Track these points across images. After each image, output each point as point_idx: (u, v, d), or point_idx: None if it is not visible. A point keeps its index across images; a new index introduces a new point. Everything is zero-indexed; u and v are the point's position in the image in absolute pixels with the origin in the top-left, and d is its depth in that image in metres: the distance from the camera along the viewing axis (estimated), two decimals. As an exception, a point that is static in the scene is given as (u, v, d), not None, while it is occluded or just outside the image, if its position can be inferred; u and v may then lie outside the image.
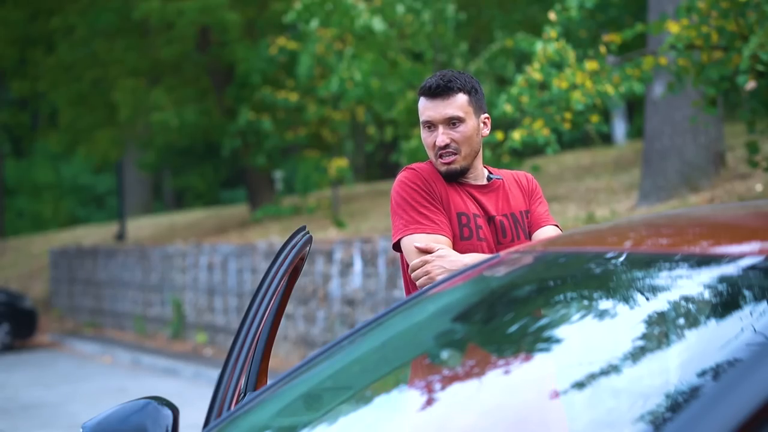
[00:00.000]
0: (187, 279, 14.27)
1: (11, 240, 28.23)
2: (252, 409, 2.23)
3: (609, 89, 7.11)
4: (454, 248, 3.08)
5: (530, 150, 12.50)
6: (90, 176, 33.19)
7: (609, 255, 2.21)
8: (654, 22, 7.03)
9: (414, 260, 3.04)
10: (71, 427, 8.93)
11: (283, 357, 11.46)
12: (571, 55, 7.30)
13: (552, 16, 7.46)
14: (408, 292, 3.16)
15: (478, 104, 3.17)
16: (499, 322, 2.27)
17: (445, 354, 2.29)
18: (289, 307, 11.34)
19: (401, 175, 3.15)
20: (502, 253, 2.49)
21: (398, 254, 3.20)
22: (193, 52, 17.39)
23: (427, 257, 3.02)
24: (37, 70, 18.90)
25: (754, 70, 6.28)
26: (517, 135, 7.42)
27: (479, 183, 3.20)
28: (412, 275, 3.04)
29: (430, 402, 2.09)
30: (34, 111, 26.10)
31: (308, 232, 2.98)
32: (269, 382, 2.42)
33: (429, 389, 2.13)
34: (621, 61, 7.93)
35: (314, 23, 11.57)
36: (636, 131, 18.72)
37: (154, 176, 31.10)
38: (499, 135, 8.05)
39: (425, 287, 2.45)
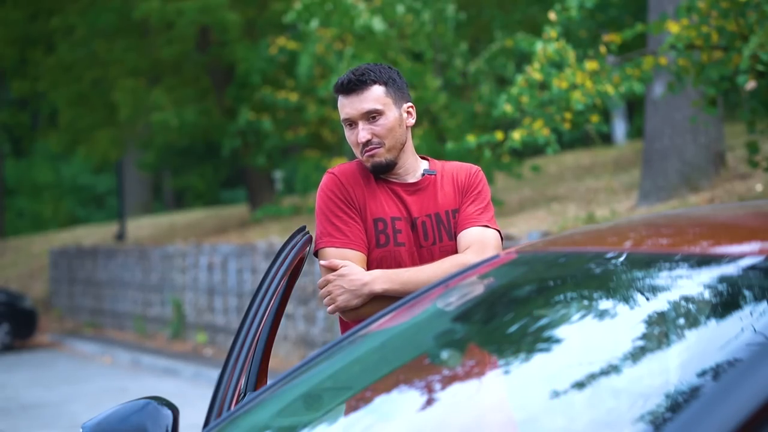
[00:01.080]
0: (187, 279, 14.27)
1: (11, 240, 28.23)
2: (252, 409, 2.23)
3: (609, 89, 7.11)
4: (370, 256, 3.01)
5: (530, 150, 12.51)
6: (90, 176, 33.19)
7: (609, 255, 2.21)
8: (654, 22, 7.02)
9: (320, 279, 3.02)
10: (71, 427, 8.93)
11: (283, 357, 11.46)
12: (571, 55, 7.30)
13: (552, 16, 7.46)
14: None
15: (398, 94, 3.05)
16: (499, 322, 2.27)
17: (445, 354, 2.29)
18: (289, 307, 11.34)
19: (322, 181, 3.09)
20: (502, 253, 2.49)
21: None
22: (193, 52, 17.39)
23: (329, 276, 2.97)
24: (37, 70, 18.90)
25: (754, 70, 6.28)
26: (517, 135, 7.42)
27: (407, 181, 3.08)
28: (319, 294, 3.03)
29: (429, 402, 2.09)
30: (34, 111, 26.10)
31: (308, 232, 2.98)
32: (269, 382, 2.42)
33: (429, 389, 2.13)
34: (621, 61, 7.93)
35: (314, 23, 11.57)
36: (636, 131, 18.72)
37: (154, 176, 31.10)
38: (499, 135, 8.05)
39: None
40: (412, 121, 3.11)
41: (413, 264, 3.01)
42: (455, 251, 3.03)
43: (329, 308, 2.99)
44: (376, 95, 3.01)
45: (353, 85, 3.01)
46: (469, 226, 3.04)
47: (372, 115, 3.01)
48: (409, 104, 3.11)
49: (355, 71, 3.03)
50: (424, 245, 3.03)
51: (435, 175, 3.10)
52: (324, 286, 2.98)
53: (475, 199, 3.09)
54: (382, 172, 3.05)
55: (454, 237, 3.05)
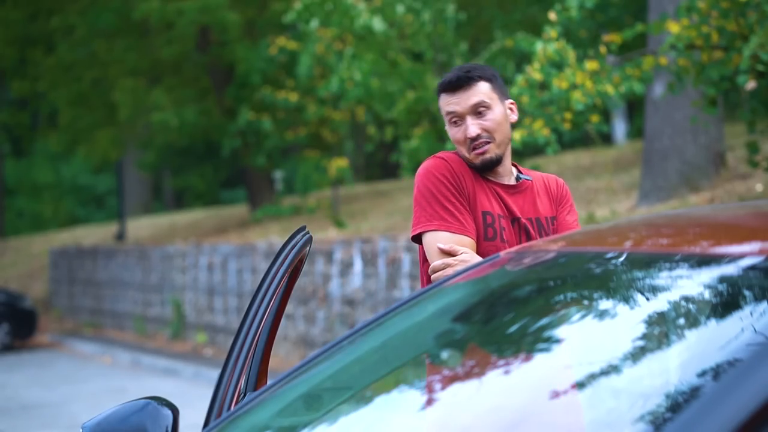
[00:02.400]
0: (187, 279, 14.26)
1: (11, 240, 28.23)
2: (252, 409, 2.23)
3: (609, 89, 7.11)
4: (477, 249, 2.98)
5: (530, 150, 12.50)
6: (90, 176, 33.20)
7: (609, 255, 2.21)
8: (654, 22, 7.02)
9: (436, 261, 2.94)
10: (71, 427, 8.93)
11: (283, 357, 11.46)
12: (571, 55, 7.30)
13: (552, 16, 7.46)
14: (424, 285, 3.06)
15: (502, 90, 3.08)
16: (499, 322, 2.27)
17: (445, 354, 2.29)
18: (289, 307, 11.34)
19: (429, 164, 3.03)
20: (502, 253, 2.49)
21: (416, 246, 3.11)
22: (193, 52, 17.39)
23: (450, 260, 2.92)
24: (37, 70, 18.90)
25: (755, 70, 6.28)
26: (517, 135, 7.42)
27: (506, 182, 3.08)
28: (433, 276, 2.94)
29: (429, 402, 2.09)
30: (34, 111, 26.09)
31: (308, 232, 2.97)
32: (269, 382, 2.42)
33: (429, 389, 2.13)
34: (621, 61, 7.93)
35: (314, 23, 11.57)
36: (636, 131, 18.72)
37: (154, 176, 31.11)
38: (499, 135, 8.03)
39: (430, 285, 2.42)
40: (515, 117, 3.12)
41: None
42: None
43: None
44: (483, 90, 3.02)
45: (461, 82, 3.01)
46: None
47: (479, 110, 3.01)
48: (511, 101, 3.12)
49: (461, 69, 3.04)
50: None
51: (531, 180, 3.12)
52: (441, 269, 2.91)
53: (570, 209, 3.15)
54: (489, 169, 3.04)
55: None
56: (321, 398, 2.25)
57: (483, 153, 3.00)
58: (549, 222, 3.09)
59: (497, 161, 3.03)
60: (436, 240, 2.95)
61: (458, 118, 3.02)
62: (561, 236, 2.51)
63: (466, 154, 3.02)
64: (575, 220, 3.13)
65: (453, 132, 3.04)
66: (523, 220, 3.04)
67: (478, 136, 2.99)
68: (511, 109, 3.10)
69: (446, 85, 3.03)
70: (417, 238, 3.03)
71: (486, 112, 3.01)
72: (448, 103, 3.03)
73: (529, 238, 3.03)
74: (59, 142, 19.59)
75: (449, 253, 2.93)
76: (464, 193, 2.99)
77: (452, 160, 3.03)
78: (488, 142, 3.00)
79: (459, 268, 2.87)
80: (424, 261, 3.03)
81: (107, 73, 17.67)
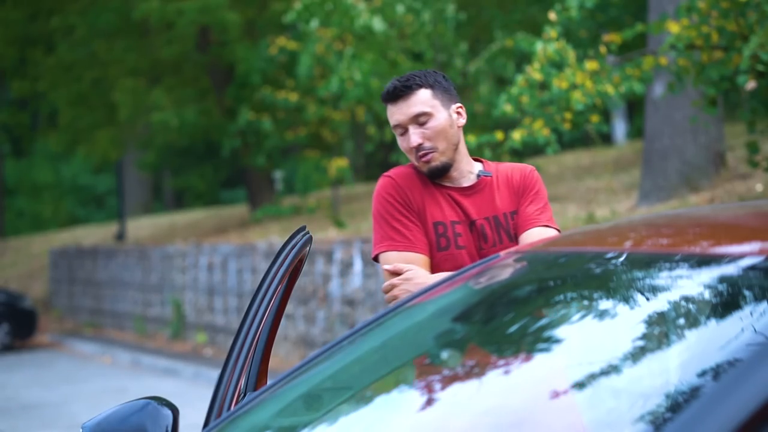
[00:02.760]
0: (187, 279, 14.27)
1: (11, 240, 28.23)
2: (252, 409, 2.23)
3: (609, 89, 7.11)
4: (432, 259, 3.01)
5: (530, 150, 12.50)
6: (90, 176, 33.20)
7: (609, 255, 2.21)
8: (654, 22, 7.02)
9: (384, 283, 3.01)
10: (71, 427, 8.93)
11: (283, 357, 11.46)
12: (571, 55, 7.29)
13: (552, 16, 7.46)
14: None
15: (446, 95, 3.07)
16: (499, 322, 2.27)
17: (445, 354, 2.29)
18: (289, 307, 11.34)
19: (378, 184, 3.08)
20: (502, 253, 2.49)
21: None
22: (193, 52, 17.38)
23: (394, 281, 2.98)
24: (37, 70, 18.90)
25: (755, 70, 6.28)
26: (517, 135, 7.42)
27: (462, 185, 3.08)
28: (385, 297, 3.02)
29: (429, 402, 2.09)
30: (34, 111, 26.10)
31: (308, 232, 2.97)
32: (269, 382, 2.42)
33: (429, 389, 2.13)
34: (621, 61, 7.93)
35: (314, 23, 11.57)
36: (636, 131, 18.72)
37: (154, 176, 31.10)
38: (499, 135, 8.05)
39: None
40: (462, 121, 3.10)
41: None
42: None
43: None
44: (422, 98, 3.02)
45: (399, 92, 3.02)
46: (531, 226, 3.04)
47: (420, 119, 3.01)
48: (459, 105, 3.11)
49: (400, 78, 3.04)
50: (485, 247, 3.04)
51: (490, 176, 3.10)
52: (389, 291, 2.98)
53: (533, 199, 3.09)
54: (439, 176, 3.05)
55: (514, 238, 3.05)
56: (321, 398, 2.25)
57: (428, 161, 3.02)
58: (508, 217, 3.06)
59: (445, 168, 3.04)
60: (385, 260, 3.02)
61: (402, 129, 3.04)
62: (561, 236, 2.51)
63: (416, 162, 3.05)
64: (539, 209, 3.07)
65: (400, 141, 3.07)
66: (479, 222, 3.04)
67: (420, 146, 3.01)
68: (458, 113, 3.09)
69: (386, 96, 3.05)
70: (376, 259, 3.10)
71: (427, 120, 3.02)
72: (391, 114, 3.05)
73: (486, 238, 3.03)
74: (59, 142, 19.59)
75: (395, 273, 2.98)
76: (412, 208, 3.02)
77: (400, 175, 3.06)
78: (432, 151, 3.01)
79: (404, 287, 2.94)
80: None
81: (107, 73, 17.67)
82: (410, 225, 3.01)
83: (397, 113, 3.03)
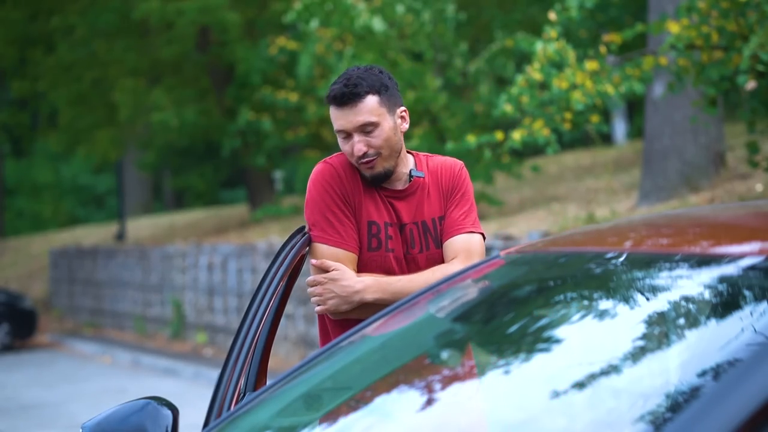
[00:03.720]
0: (187, 279, 14.27)
1: (11, 240, 28.23)
2: (252, 409, 2.23)
3: (609, 89, 7.11)
4: (360, 259, 2.97)
5: (530, 150, 12.50)
6: (90, 176, 33.19)
7: (609, 255, 2.21)
8: (654, 22, 7.02)
9: (309, 277, 2.97)
10: (71, 427, 8.93)
11: (283, 357, 11.46)
12: (571, 55, 7.29)
13: (552, 16, 7.46)
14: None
15: (391, 101, 2.99)
16: (499, 322, 2.26)
17: (445, 354, 2.29)
18: (289, 307, 11.34)
19: (318, 169, 2.99)
20: (502, 253, 2.49)
21: None
22: (193, 52, 17.38)
23: (319, 278, 2.94)
24: (37, 70, 18.90)
25: (754, 70, 6.28)
26: (517, 135, 7.41)
27: (397, 187, 3.03)
28: (308, 291, 2.99)
29: (429, 402, 2.09)
30: (34, 111, 26.09)
31: (308, 232, 2.98)
32: (269, 382, 2.42)
33: (429, 389, 2.13)
34: (621, 61, 7.93)
35: (314, 23, 11.57)
36: (636, 131, 18.72)
37: (154, 176, 31.10)
38: (499, 135, 8.05)
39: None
40: (406, 126, 3.04)
41: (400, 270, 2.99)
42: (441, 258, 3.02)
43: (317, 309, 2.96)
44: (370, 107, 2.93)
45: (346, 99, 2.92)
46: (456, 233, 3.01)
47: (366, 128, 2.94)
48: (403, 108, 3.04)
49: (347, 82, 2.93)
50: (411, 253, 3.00)
51: (422, 177, 3.05)
52: (313, 285, 2.95)
53: (459, 201, 3.05)
54: (382, 182, 3.00)
55: (440, 244, 3.02)
56: (321, 398, 2.25)
57: (372, 168, 2.96)
58: (436, 223, 3.02)
59: (388, 174, 2.99)
60: (313, 252, 2.97)
61: (346, 134, 2.96)
62: (561, 236, 2.51)
63: (357, 167, 2.98)
64: (464, 212, 3.03)
65: (342, 145, 2.98)
66: (409, 226, 3.01)
67: (365, 154, 2.94)
68: (402, 117, 3.03)
69: (332, 99, 2.96)
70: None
71: (373, 129, 2.94)
72: (336, 119, 2.96)
73: (413, 243, 3.00)
74: (59, 142, 19.59)
75: (323, 270, 2.95)
76: (350, 203, 2.97)
77: (341, 165, 2.99)
78: (375, 158, 2.95)
79: (328, 286, 2.91)
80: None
81: (107, 73, 17.67)
82: (344, 220, 2.96)
83: (341, 119, 2.94)
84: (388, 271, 2.97)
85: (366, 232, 2.98)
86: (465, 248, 2.99)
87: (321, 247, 2.95)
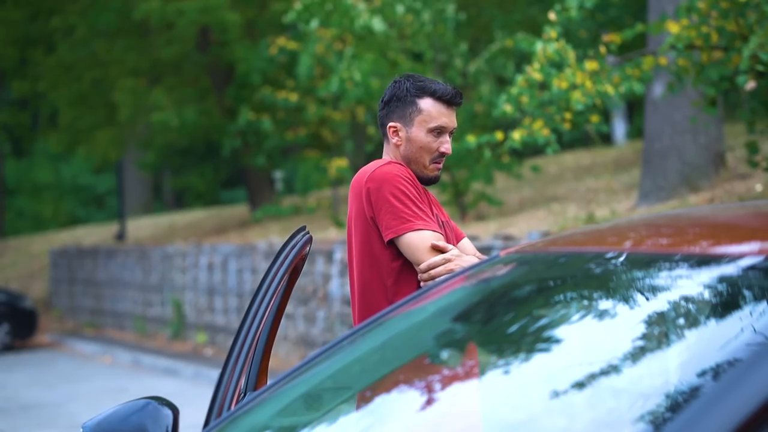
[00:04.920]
0: (187, 279, 14.27)
1: (11, 240, 28.23)
2: (252, 409, 2.23)
3: (609, 89, 7.11)
4: None
5: (530, 150, 12.51)
6: (90, 176, 33.20)
7: (609, 255, 2.21)
8: (654, 22, 7.02)
9: (433, 258, 3.01)
10: (71, 427, 8.93)
11: (283, 357, 11.46)
12: (571, 55, 7.29)
13: (552, 16, 7.46)
14: (367, 284, 3.10)
15: None
16: (499, 322, 2.27)
17: (445, 354, 2.29)
18: (289, 307, 11.34)
19: (391, 168, 3.09)
20: (502, 253, 2.49)
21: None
22: (193, 52, 17.39)
23: (448, 255, 3.01)
24: (37, 70, 18.90)
25: (754, 70, 6.28)
26: (517, 135, 7.41)
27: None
28: (432, 272, 3.00)
29: (429, 402, 2.09)
30: (34, 111, 26.10)
31: (308, 232, 2.97)
32: (269, 382, 2.42)
33: (429, 389, 2.13)
34: (621, 61, 7.93)
35: (314, 23, 11.57)
36: (636, 131, 18.72)
37: (154, 176, 31.10)
38: (499, 135, 8.04)
39: (428, 286, 2.44)
40: None
41: None
42: None
43: None
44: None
45: (459, 100, 3.19)
46: (462, 236, 3.30)
47: (452, 133, 3.21)
48: None
49: (457, 90, 3.20)
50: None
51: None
52: (439, 265, 3.00)
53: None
54: (431, 184, 3.22)
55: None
56: (321, 398, 2.25)
57: (440, 169, 3.22)
58: (452, 224, 3.30)
59: (437, 182, 3.25)
60: (425, 238, 3.03)
61: (441, 132, 3.16)
62: (561, 236, 2.51)
63: (426, 163, 3.17)
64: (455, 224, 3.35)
65: (429, 140, 3.16)
66: (446, 224, 3.23)
67: (444, 155, 3.18)
68: None
69: (450, 96, 3.16)
70: (391, 240, 3.07)
71: (451, 138, 3.22)
72: (441, 115, 3.16)
73: (448, 238, 3.20)
74: (59, 142, 19.59)
75: (442, 250, 3.03)
76: (424, 198, 3.14)
77: (406, 167, 3.17)
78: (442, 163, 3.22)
79: (457, 262, 3.00)
80: (393, 260, 3.06)
81: (107, 73, 17.67)
82: (429, 212, 3.11)
83: (447, 117, 3.16)
84: None
85: (438, 224, 3.14)
86: (474, 248, 3.30)
87: (429, 234, 3.04)
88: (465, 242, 3.27)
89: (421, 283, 3.05)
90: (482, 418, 2.02)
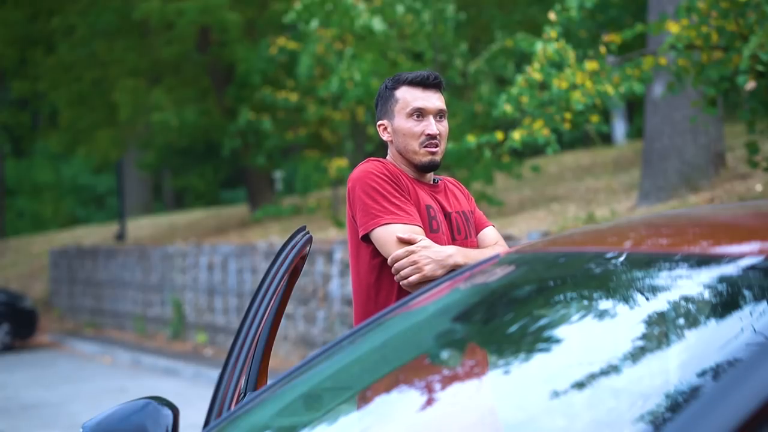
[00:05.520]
0: (187, 279, 14.27)
1: (11, 240, 28.23)
2: (252, 409, 2.23)
3: (609, 89, 7.11)
4: None
5: (530, 150, 12.51)
6: (90, 176, 33.19)
7: (609, 255, 2.21)
8: (654, 22, 7.02)
9: (395, 251, 3.00)
10: (71, 427, 8.93)
11: (283, 357, 11.46)
12: (571, 55, 7.29)
13: (552, 16, 7.46)
14: (360, 283, 3.11)
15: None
16: (499, 322, 2.27)
17: (445, 354, 2.29)
18: (289, 307, 11.34)
19: (366, 166, 3.12)
20: (501, 253, 2.49)
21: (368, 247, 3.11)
22: (193, 52, 17.38)
23: (412, 248, 2.99)
24: (37, 70, 18.90)
25: (754, 70, 6.28)
26: (517, 135, 7.41)
27: (431, 184, 3.24)
28: (396, 265, 3.00)
29: (429, 402, 2.09)
30: (34, 111, 26.10)
31: (308, 232, 2.97)
32: (269, 382, 2.42)
33: (429, 389, 2.13)
34: (621, 61, 7.93)
35: (314, 23, 11.57)
36: (636, 131, 18.72)
37: (154, 176, 31.10)
38: (499, 135, 8.05)
39: (425, 288, 2.43)
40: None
41: None
42: (477, 247, 3.23)
43: (413, 278, 2.99)
44: (443, 99, 3.21)
45: (436, 81, 3.16)
46: (487, 225, 3.30)
47: (440, 115, 3.17)
48: None
49: (430, 72, 3.18)
50: (458, 238, 3.17)
51: (439, 182, 3.29)
52: (403, 257, 2.98)
53: (476, 205, 3.36)
54: (428, 171, 3.18)
55: (475, 234, 3.25)
56: (321, 398, 2.25)
57: (433, 153, 3.15)
58: (472, 215, 3.28)
59: (436, 167, 3.18)
60: (391, 232, 3.02)
61: (422, 115, 3.15)
62: (561, 236, 2.51)
63: (416, 149, 3.15)
64: (483, 214, 3.35)
65: (411, 125, 3.15)
66: (454, 215, 3.19)
67: (435, 137, 3.13)
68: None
69: (422, 80, 3.16)
70: (367, 237, 3.09)
71: (442, 120, 3.19)
72: (417, 98, 3.15)
73: (459, 230, 3.18)
74: (59, 143, 19.59)
75: (409, 242, 3.01)
76: (405, 189, 3.10)
77: (386, 162, 3.16)
78: (438, 146, 3.16)
79: (423, 254, 2.98)
80: (373, 257, 3.08)
81: (107, 73, 17.67)
82: (408, 203, 3.08)
83: (425, 99, 3.14)
84: None
85: (426, 215, 3.11)
86: (499, 237, 3.30)
87: (397, 226, 3.03)
88: (488, 231, 3.26)
89: (395, 277, 3.04)
90: (500, 417, 2.02)
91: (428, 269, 2.98)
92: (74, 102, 18.16)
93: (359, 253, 3.13)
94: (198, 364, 12.08)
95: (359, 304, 3.14)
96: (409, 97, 3.15)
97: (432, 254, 2.98)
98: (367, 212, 3.06)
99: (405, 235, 3.00)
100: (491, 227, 3.29)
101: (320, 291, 10.92)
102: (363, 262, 3.11)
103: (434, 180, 3.27)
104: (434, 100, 3.15)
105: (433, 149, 3.14)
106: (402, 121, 3.15)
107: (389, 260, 3.02)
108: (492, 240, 3.25)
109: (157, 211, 29.95)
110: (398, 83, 3.18)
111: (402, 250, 2.99)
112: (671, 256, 2.07)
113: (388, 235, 3.02)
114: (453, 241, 3.14)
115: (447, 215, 3.17)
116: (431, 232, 3.09)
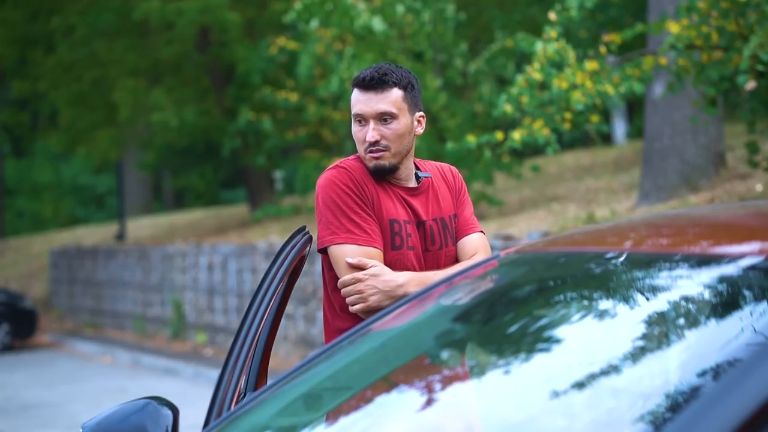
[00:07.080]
0: (187, 279, 14.27)
1: (11, 240, 28.23)
2: (252, 409, 2.23)
3: (609, 89, 7.11)
4: (384, 258, 2.94)
5: (530, 150, 12.50)
6: (90, 176, 33.20)
7: (609, 255, 2.21)
8: (654, 22, 7.02)
9: (345, 276, 2.89)
10: (71, 427, 8.93)
11: (283, 357, 11.46)
12: (571, 55, 7.29)
13: (552, 16, 7.46)
14: (329, 299, 3.01)
15: (414, 101, 3.02)
16: (499, 322, 2.26)
17: (445, 354, 2.29)
18: (289, 307, 11.34)
19: (331, 174, 2.97)
20: (502, 253, 2.49)
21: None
22: (193, 52, 17.38)
23: (359, 275, 2.87)
24: (37, 70, 18.90)
25: (754, 70, 6.28)
26: (517, 135, 7.41)
27: (409, 185, 3.05)
28: (342, 291, 2.90)
29: (429, 402, 2.09)
30: (34, 111, 26.10)
31: (308, 232, 2.97)
32: (269, 382, 2.42)
33: (429, 389, 2.13)
34: (621, 61, 7.93)
35: (314, 23, 11.57)
36: (636, 131, 18.72)
37: (154, 176, 31.10)
38: (499, 135, 8.04)
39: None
40: (420, 130, 3.07)
41: (420, 268, 2.98)
42: (455, 256, 3.06)
43: (357, 307, 2.89)
44: (393, 98, 2.96)
45: (374, 83, 2.95)
46: (471, 232, 3.09)
47: (385, 117, 2.96)
48: (421, 113, 3.06)
49: (378, 69, 2.97)
50: (431, 249, 3.01)
51: (429, 177, 3.10)
52: (350, 284, 2.89)
53: (465, 202, 3.14)
54: (383, 176, 3.00)
55: (455, 242, 3.07)
56: (321, 398, 2.24)
57: (378, 158, 2.96)
58: (452, 220, 3.08)
59: (390, 170, 2.99)
60: (343, 254, 2.90)
61: (363, 119, 2.98)
62: (561, 236, 2.51)
63: (363, 155, 2.98)
64: (471, 213, 3.13)
65: (355, 130, 3.00)
66: (429, 223, 3.02)
67: (376, 143, 2.95)
68: (419, 121, 3.05)
69: (359, 82, 2.97)
70: (323, 250, 2.98)
71: (390, 121, 2.96)
72: (357, 102, 2.97)
73: (434, 240, 3.02)
74: (59, 142, 19.59)
75: (359, 268, 2.89)
76: (369, 202, 2.95)
77: (354, 168, 2.98)
78: (384, 150, 2.96)
79: (370, 282, 2.86)
80: (330, 269, 2.99)
81: (107, 73, 17.67)
82: (368, 219, 2.93)
83: (362, 103, 2.96)
84: (409, 269, 2.96)
85: (389, 231, 2.96)
86: (483, 245, 3.08)
87: (351, 248, 2.90)
88: (470, 239, 3.06)
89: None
90: (481, 418, 2.02)
91: (373, 300, 2.86)
92: (74, 102, 18.16)
93: (324, 261, 3.03)
94: (198, 364, 12.08)
95: (325, 312, 3.05)
96: (353, 100, 2.99)
97: (379, 284, 2.86)
98: (325, 226, 2.95)
99: (354, 260, 2.88)
100: (476, 234, 3.09)
101: (320, 291, 10.92)
102: (325, 271, 3.03)
103: (418, 178, 3.08)
104: (374, 102, 2.94)
105: (377, 155, 2.94)
106: (352, 126, 3.02)
107: (339, 284, 2.91)
108: (472, 250, 3.05)
109: (157, 211, 29.94)
110: (353, 85, 3.02)
111: (349, 276, 2.88)
112: (671, 256, 2.07)
113: (340, 256, 2.91)
114: (425, 252, 2.99)
115: (420, 224, 3.01)
116: (393, 249, 2.94)
